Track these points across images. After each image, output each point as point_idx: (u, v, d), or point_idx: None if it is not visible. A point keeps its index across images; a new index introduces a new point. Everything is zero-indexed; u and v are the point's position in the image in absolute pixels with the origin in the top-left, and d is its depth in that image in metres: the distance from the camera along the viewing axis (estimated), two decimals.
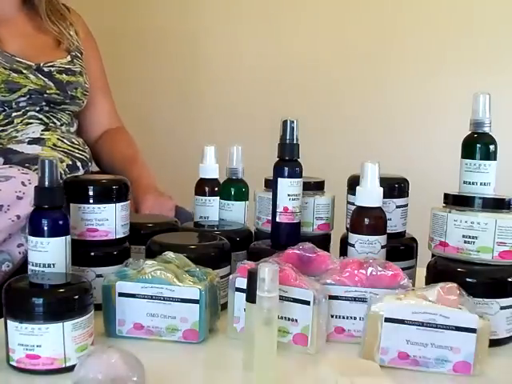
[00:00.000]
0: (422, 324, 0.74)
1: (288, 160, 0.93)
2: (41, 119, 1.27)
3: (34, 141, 1.23)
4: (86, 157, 1.31)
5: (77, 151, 1.29)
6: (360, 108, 1.96)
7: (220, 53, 1.99)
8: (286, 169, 0.93)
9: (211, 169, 1.12)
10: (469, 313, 0.74)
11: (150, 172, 1.36)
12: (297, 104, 1.90)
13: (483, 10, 1.88)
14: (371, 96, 1.95)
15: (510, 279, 0.82)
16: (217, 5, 1.97)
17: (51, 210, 0.79)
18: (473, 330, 0.73)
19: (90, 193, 0.90)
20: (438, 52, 1.91)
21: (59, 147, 1.25)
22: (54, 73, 1.28)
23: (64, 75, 1.29)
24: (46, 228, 0.79)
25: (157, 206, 1.22)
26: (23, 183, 0.91)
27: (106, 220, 0.91)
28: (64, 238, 0.80)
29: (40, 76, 1.26)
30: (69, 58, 1.33)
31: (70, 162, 1.25)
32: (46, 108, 1.28)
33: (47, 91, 1.26)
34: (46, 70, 1.27)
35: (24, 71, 1.24)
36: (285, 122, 0.93)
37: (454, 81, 1.89)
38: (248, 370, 0.71)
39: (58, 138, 1.26)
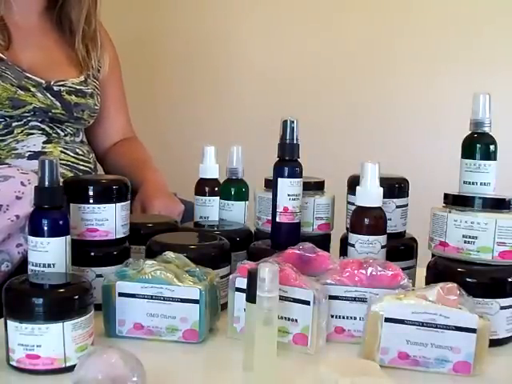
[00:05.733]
0: (421, 324, 0.74)
1: (288, 160, 0.93)
2: (43, 129, 1.23)
3: (35, 155, 1.19)
4: (90, 167, 1.29)
5: (81, 163, 1.27)
6: (360, 108, 1.96)
7: (220, 53, 1.99)
8: (286, 169, 0.93)
9: (211, 169, 1.12)
10: (469, 313, 0.74)
11: (161, 175, 1.33)
12: (297, 104, 1.90)
13: (484, 10, 1.88)
14: (371, 96, 1.95)
15: (510, 279, 0.82)
16: (218, 5, 1.97)
17: (51, 209, 0.79)
18: (473, 330, 0.73)
19: (90, 193, 0.90)
20: (439, 52, 1.91)
21: (62, 160, 1.22)
22: (64, 93, 1.25)
23: (73, 96, 1.26)
24: (46, 228, 0.79)
25: (165, 211, 1.20)
26: (22, 183, 0.91)
27: (106, 220, 0.90)
28: (64, 238, 0.80)
29: (48, 95, 1.22)
30: (82, 78, 1.29)
31: None
32: (49, 120, 1.25)
33: (52, 110, 1.23)
34: (55, 88, 1.24)
35: (32, 89, 1.21)
36: (285, 122, 0.92)
37: (454, 81, 1.89)
38: (248, 370, 0.71)
39: (61, 151, 1.24)
